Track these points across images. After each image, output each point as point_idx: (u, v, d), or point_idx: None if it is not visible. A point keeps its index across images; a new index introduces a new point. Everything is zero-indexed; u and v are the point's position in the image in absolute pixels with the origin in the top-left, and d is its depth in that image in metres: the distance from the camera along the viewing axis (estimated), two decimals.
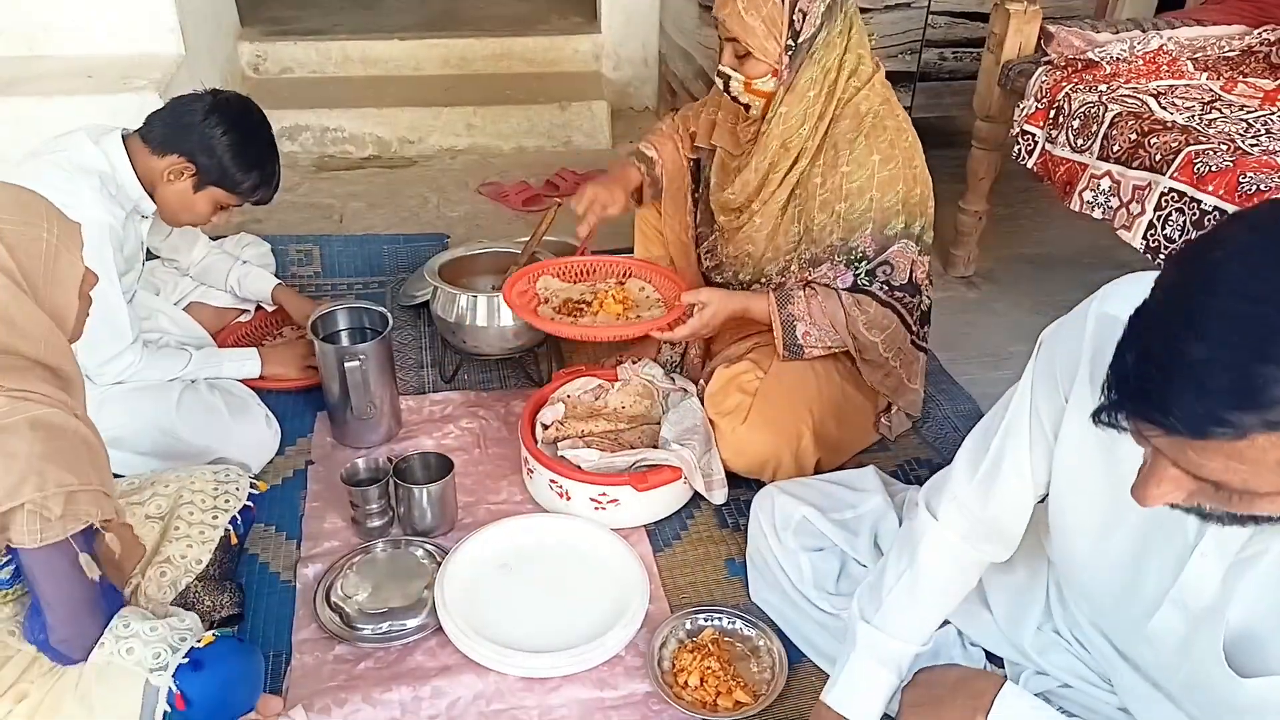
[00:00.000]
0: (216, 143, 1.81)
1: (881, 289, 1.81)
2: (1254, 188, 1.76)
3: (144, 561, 1.53)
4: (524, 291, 2.02)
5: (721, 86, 1.84)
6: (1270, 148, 1.92)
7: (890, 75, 2.98)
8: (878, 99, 1.81)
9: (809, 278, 1.85)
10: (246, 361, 2.05)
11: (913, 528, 1.28)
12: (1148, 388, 0.74)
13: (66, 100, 2.67)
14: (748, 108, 1.84)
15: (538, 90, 3.64)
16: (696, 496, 1.86)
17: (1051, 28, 2.41)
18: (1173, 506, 0.84)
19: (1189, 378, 0.72)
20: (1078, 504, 1.12)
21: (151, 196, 1.86)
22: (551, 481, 1.79)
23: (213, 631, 1.36)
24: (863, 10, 2.87)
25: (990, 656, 1.44)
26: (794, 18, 1.73)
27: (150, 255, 2.16)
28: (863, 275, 1.81)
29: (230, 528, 1.65)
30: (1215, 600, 0.97)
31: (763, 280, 1.94)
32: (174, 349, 1.96)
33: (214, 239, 2.34)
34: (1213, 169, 1.83)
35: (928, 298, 1.97)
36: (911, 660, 1.27)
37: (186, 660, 1.26)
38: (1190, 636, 1.01)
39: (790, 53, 1.75)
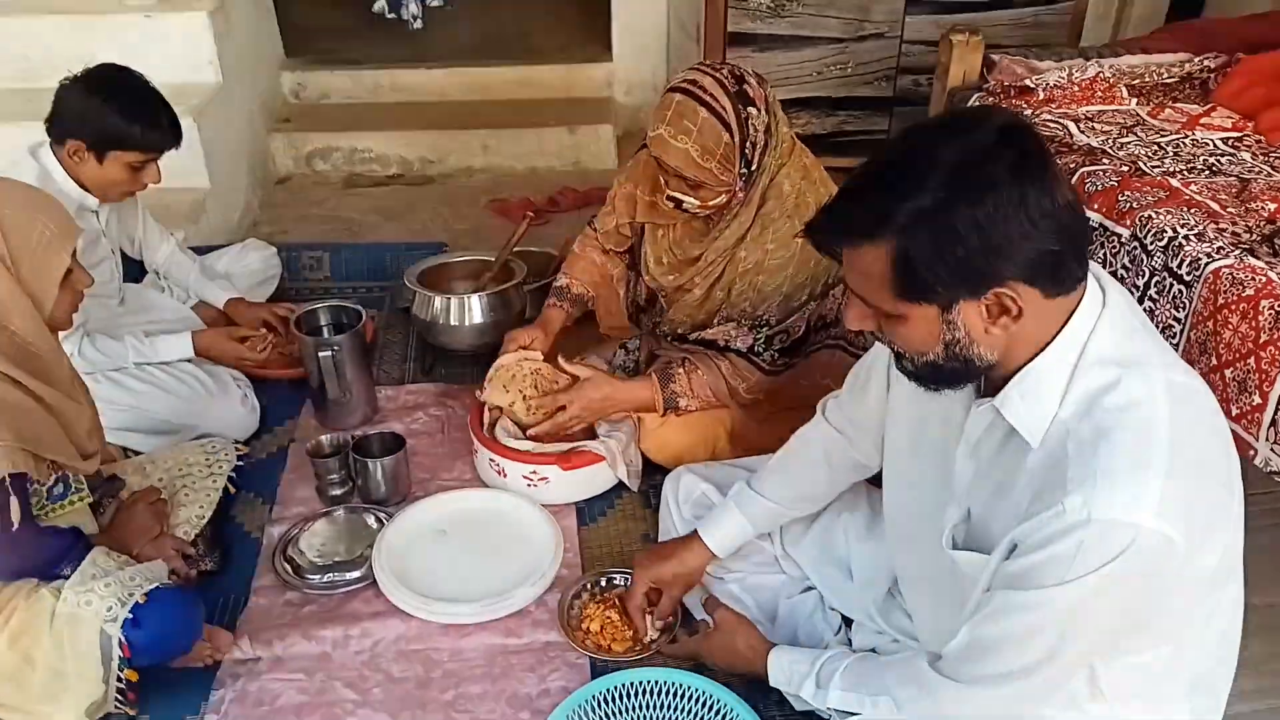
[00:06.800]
0: (89, 108, 1.93)
1: (771, 357, 1.92)
2: (1128, 205, 1.91)
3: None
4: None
5: (673, 206, 1.88)
6: (1170, 169, 2.05)
7: (868, 101, 3.21)
8: (798, 173, 1.87)
9: (706, 336, 1.97)
10: (180, 343, 2.18)
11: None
12: (822, 214, 1.11)
13: None
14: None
15: (549, 115, 3.89)
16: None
17: (995, 56, 2.56)
18: (870, 334, 1.18)
19: (836, 210, 1.09)
20: (898, 422, 1.36)
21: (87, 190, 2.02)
22: (490, 460, 2.02)
23: (153, 586, 1.51)
24: (839, 40, 3.08)
25: (844, 620, 1.63)
26: (746, 150, 1.78)
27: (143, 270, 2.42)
28: (762, 340, 1.92)
29: (229, 483, 1.96)
30: (963, 491, 1.19)
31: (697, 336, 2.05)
32: (114, 340, 2.11)
33: (219, 247, 2.61)
34: (1099, 188, 1.98)
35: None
36: (771, 517, 1.62)
37: (131, 616, 1.45)
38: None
39: (744, 177, 1.82)
